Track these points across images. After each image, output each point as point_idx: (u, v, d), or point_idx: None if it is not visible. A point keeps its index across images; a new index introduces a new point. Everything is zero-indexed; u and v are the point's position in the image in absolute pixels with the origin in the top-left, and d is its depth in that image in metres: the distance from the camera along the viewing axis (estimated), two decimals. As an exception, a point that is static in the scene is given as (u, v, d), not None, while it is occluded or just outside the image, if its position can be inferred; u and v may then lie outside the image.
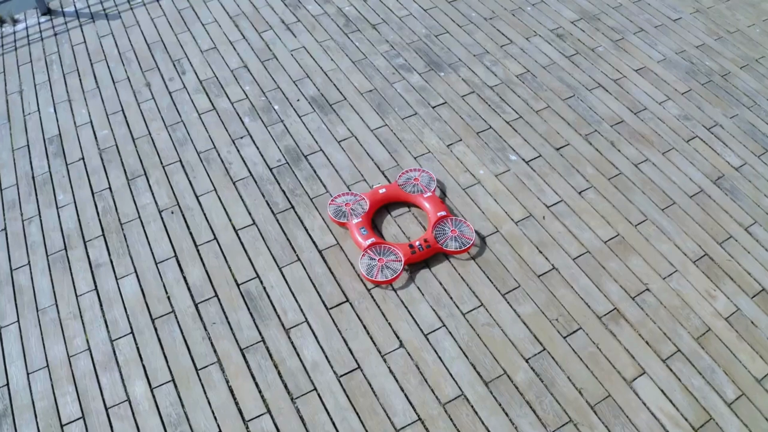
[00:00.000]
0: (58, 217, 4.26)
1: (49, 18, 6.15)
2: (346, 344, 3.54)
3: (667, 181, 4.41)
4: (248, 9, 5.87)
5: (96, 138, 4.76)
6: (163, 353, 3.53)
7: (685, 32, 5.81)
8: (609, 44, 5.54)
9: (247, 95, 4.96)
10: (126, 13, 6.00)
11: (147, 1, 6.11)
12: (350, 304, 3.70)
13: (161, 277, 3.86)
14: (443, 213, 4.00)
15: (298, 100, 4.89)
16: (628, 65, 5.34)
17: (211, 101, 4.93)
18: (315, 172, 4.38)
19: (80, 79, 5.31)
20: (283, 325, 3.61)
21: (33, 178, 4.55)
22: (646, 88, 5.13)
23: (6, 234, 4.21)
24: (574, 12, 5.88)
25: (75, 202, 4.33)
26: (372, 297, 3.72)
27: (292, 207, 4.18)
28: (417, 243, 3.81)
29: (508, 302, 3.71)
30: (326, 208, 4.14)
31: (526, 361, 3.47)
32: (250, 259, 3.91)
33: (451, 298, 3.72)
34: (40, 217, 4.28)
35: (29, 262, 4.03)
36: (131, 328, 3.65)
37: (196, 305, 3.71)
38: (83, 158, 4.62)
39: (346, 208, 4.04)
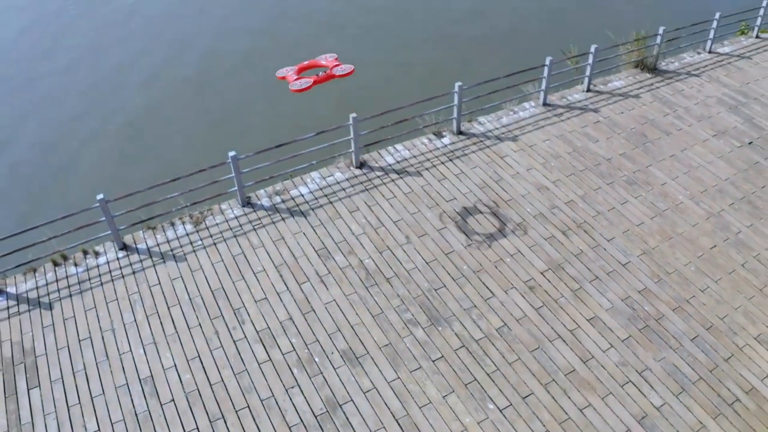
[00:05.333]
0: (161, 453, 6.30)
1: (126, 254, 8.35)
2: None
3: (603, 424, 6.48)
4: (289, 258, 8.09)
5: (181, 381, 6.84)
6: None
7: (631, 276, 8.00)
8: (569, 294, 7.72)
9: (293, 347, 7.08)
10: (190, 255, 8.20)
11: (206, 245, 8.34)
12: None
13: None
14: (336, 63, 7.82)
15: (332, 353, 7.02)
16: (582, 315, 7.50)
17: (267, 352, 7.06)
18: (348, 420, 6.44)
19: (161, 322, 7.44)
20: None
21: (136, 415, 6.60)
22: (595, 337, 7.27)
23: (122, 466, 6.23)
24: (543, 262, 8.09)
25: (172, 441, 6.38)
26: None
27: (333, 452, 6.24)
28: (321, 73, 7.65)
29: None
30: None
31: None
32: (305, 497, 5.94)
33: None
34: (146, 452, 6.32)
35: (143, 491, 6.04)
36: None
37: None
38: (173, 400, 6.69)
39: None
